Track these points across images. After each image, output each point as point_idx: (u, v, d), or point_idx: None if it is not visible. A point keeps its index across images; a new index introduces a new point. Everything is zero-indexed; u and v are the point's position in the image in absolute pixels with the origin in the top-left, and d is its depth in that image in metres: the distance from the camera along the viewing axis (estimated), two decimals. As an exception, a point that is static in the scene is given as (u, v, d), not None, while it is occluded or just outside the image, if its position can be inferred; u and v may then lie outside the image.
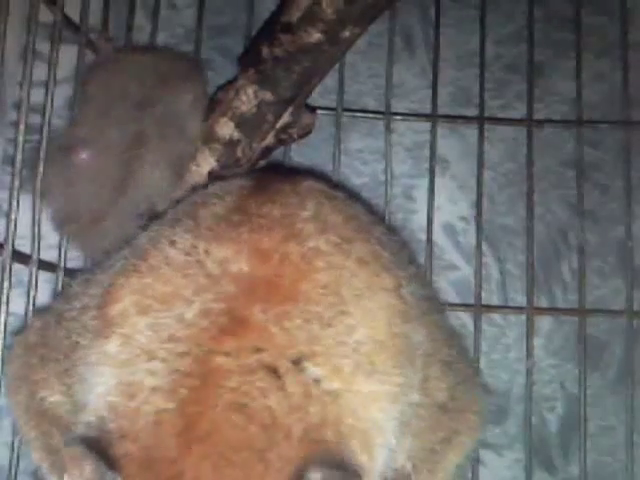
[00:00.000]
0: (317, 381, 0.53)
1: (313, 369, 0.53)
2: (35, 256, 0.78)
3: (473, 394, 0.69)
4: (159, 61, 0.85)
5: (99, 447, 0.52)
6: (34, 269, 0.78)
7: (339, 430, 0.52)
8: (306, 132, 0.88)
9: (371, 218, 0.69)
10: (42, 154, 0.80)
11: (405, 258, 0.69)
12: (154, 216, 0.73)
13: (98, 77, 0.84)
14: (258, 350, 0.53)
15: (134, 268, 0.59)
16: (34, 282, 0.78)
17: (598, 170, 1.01)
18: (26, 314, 0.79)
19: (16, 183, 0.77)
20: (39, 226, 0.79)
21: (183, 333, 0.54)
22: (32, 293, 0.78)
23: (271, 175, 0.72)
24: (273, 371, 0.53)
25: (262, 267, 0.56)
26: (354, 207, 0.69)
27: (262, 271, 0.56)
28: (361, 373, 0.54)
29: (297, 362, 0.53)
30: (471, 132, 0.99)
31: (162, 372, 0.53)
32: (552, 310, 0.98)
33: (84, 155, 0.80)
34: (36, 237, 0.78)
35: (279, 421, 0.51)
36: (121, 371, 0.54)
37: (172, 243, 0.60)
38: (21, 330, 0.78)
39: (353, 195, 0.77)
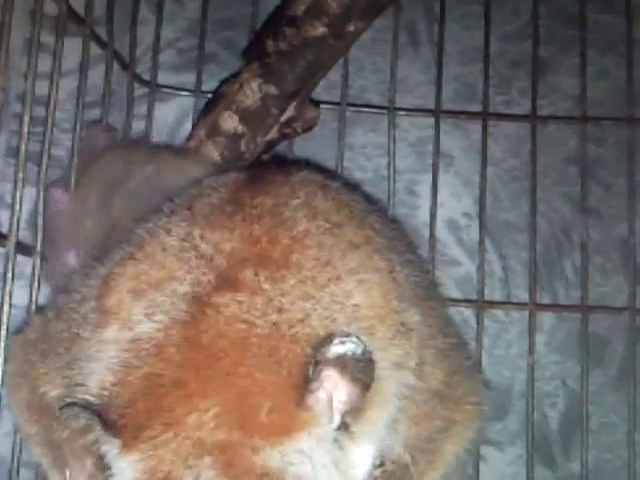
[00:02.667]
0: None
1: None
2: (38, 247, 0.78)
3: (470, 385, 0.69)
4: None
5: (100, 409, 0.52)
6: (37, 260, 0.78)
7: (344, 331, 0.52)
8: (310, 126, 0.88)
9: (367, 206, 0.69)
10: (46, 145, 0.80)
11: (402, 245, 0.69)
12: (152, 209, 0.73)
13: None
14: (252, 294, 0.54)
15: (130, 256, 0.60)
16: (37, 273, 0.78)
17: (601, 167, 1.01)
18: (29, 305, 0.79)
19: (20, 175, 0.77)
20: (42, 218, 0.79)
21: (177, 301, 0.55)
22: (35, 285, 0.78)
23: (266, 167, 0.72)
24: (270, 303, 0.53)
25: (252, 247, 0.57)
26: (348, 195, 0.69)
27: (252, 249, 0.57)
28: (359, 330, 0.54)
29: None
30: (475, 128, 0.99)
31: (162, 319, 0.54)
32: (554, 307, 0.98)
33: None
34: (39, 229, 0.78)
35: (283, 326, 0.52)
36: (121, 336, 0.55)
37: (168, 231, 0.61)
38: (21, 327, 0.78)
39: (351, 185, 0.77)
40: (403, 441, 0.61)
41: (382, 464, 0.61)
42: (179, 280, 0.56)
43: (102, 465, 0.61)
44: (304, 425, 0.50)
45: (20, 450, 0.76)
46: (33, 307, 0.78)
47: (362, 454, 0.54)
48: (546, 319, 0.98)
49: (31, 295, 0.78)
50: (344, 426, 0.52)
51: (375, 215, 0.69)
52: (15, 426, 0.76)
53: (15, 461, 0.75)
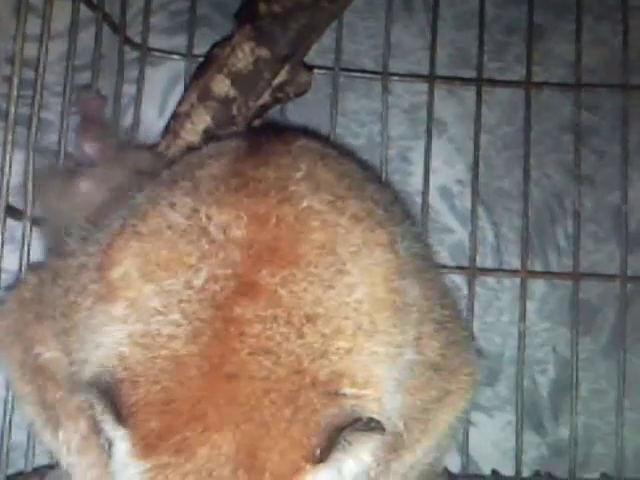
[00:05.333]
0: (325, 336, 0.54)
1: (319, 329, 0.54)
2: (28, 211, 0.77)
3: (465, 355, 0.69)
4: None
5: (109, 394, 0.51)
6: (27, 224, 0.78)
7: (355, 382, 0.53)
8: (302, 90, 0.87)
9: (365, 175, 0.69)
10: (36, 109, 0.79)
11: (399, 214, 0.69)
12: (150, 176, 0.72)
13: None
14: (272, 307, 0.53)
15: (134, 229, 0.59)
16: (27, 238, 0.78)
17: (596, 135, 1.00)
18: (20, 270, 0.79)
19: (9, 137, 0.77)
20: (32, 181, 0.79)
21: (194, 297, 0.54)
22: (25, 249, 0.78)
23: (264, 135, 0.71)
24: (290, 322, 0.53)
25: (260, 232, 0.56)
26: (347, 164, 0.69)
27: (261, 236, 0.56)
28: (362, 334, 0.55)
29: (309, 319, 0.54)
30: (469, 94, 0.99)
31: (180, 321, 0.53)
32: (546, 274, 0.98)
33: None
34: (29, 192, 0.78)
35: (304, 366, 0.52)
36: (132, 326, 0.54)
37: (172, 205, 0.59)
38: (15, 285, 0.78)
39: (346, 152, 0.77)
40: (398, 411, 0.61)
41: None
42: (194, 269, 0.55)
43: (96, 427, 0.61)
44: (311, 475, 0.51)
45: (12, 412, 0.76)
46: (23, 270, 0.78)
47: None
48: (537, 287, 0.98)
49: (21, 259, 0.78)
50: None
51: (373, 184, 0.69)
52: (7, 385, 0.76)
53: (7, 423, 0.76)
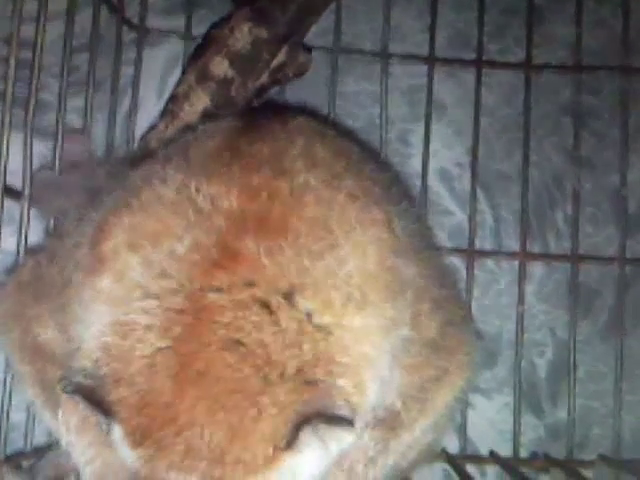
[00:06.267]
0: (309, 315, 0.53)
1: (304, 303, 0.53)
2: (27, 192, 0.77)
3: (464, 335, 0.69)
4: None
5: (94, 395, 0.52)
6: (25, 205, 0.78)
7: (330, 370, 0.52)
8: (301, 72, 0.87)
9: (363, 154, 0.69)
10: (33, 90, 0.79)
11: (397, 193, 0.69)
12: (146, 155, 0.72)
13: None
14: (250, 284, 0.53)
15: (126, 205, 0.59)
16: (25, 218, 0.78)
17: (595, 117, 1.00)
18: (18, 251, 0.79)
19: (7, 119, 0.77)
20: (31, 162, 0.79)
21: (175, 268, 0.54)
22: (24, 230, 0.78)
23: (262, 114, 0.71)
24: (266, 306, 0.53)
25: (251, 204, 0.56)
26: (345, 143, 0.68)
27: (251, 207, 0.55)
28: (352, 306, 0.54)
29: (288, 296, 0.53)
30: (468, 77, 0.98)
31: (156, 310, 0.53)
32: (544, 256, 0.98)
33: None
34: (28, 173, 0.78)
35: (273, 359, 0.51)
36: (115, 310, 0.54)
37: (163, 181, 0.59)
38: (14, 268, 0.78)
39: (345, 132, 0.77)
40: (396, 390, 0.61)
41: (374, 410, 0.61)
42: (177, 237, 0.55)
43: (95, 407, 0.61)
44: (287, 460, 0.52)
45: (10, 395, 0.76)
46: (22, 252, 0.78)
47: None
48: (536, 269, 0.98)
49: (19, 240, 0.78)
50: None
51: (371, 163, 0.68)
52: (6, 367, 0.76)
53: (5, 406, 0.76)
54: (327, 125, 0.73)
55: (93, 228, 0.60)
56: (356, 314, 0.54)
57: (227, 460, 0.51)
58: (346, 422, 0.51)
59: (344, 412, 0.52)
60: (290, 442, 0.51)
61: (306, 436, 0.51)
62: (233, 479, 0.52)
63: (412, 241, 0.63)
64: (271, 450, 0.51)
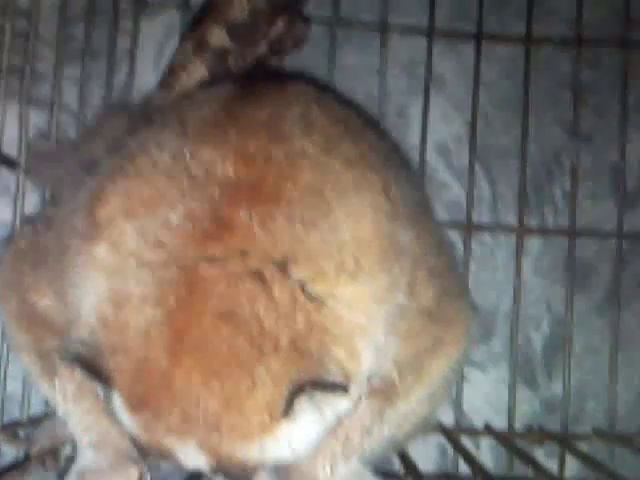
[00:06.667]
0: (302, 285, 0.53)
1: (297, 273, 0.53)
2: (23, 162, 0.77)
3: (460, 307, 0.69)
4: None
5: (93, 364, 0.52)
6: (21, 175, 0.77)
7: (324, 339, 0.53)
8: (299, 43, 0.86)
9: (361, 121, 0.68)
10: (29, 59, 0.79)
11: (396, 161, 0.69)
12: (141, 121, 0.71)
13: None
14: (243, 254, 0.53)
15: (121, 171, 0.58)
16: (22, 188, 0.78)
17: (595, 92, 0.99)
18: (14, 221, 0.79)
19: (2, 89, 0.76)
20: (26, 132, 0.79)
21: (169, 238, 0.53)
22: (20, 199, 0.77)
23: (259, 79, 0.71)
24: (259, 277, 0.52)
25: (246, 170, 0.55)
26: (344, 110, 0.68)
27: (246, 174, 0.55)
28: (345, 275, 0.54)
29: (282, 266, 0.53)
30: (468, 50, 0.98)
31: (150, 280, 0.53)
32: (542, 231, 0.98)
33: None
34: (23, 142, 0.77)
35: (267, 330, 0.51)
36: (111, 279, 0.54)
37: (159, 146, 0.59)
38: (10, 237, 0.78)
39: (345, 100, 0.76)
40: (392, 359, 0.61)
41: (369, 380, 0.62)
42: (172, 205, 0.54)
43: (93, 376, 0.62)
44: (282, 428, 0.53)
45: (7, 363, 0.77)
46: (18, 222, 0.78)
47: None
48: (533, 244, 0.98)
49: (16, 210, 0.78)
50: None
51: (370, 131, 0.68)
52: (2, 337, 0.76)
53: (2, 373, 0.76)
54: (326, 91, 0.72)
55: (89, 194, 0.60)
56: (349, 284, 0.54)
57: (223, 427, 0.52)
58: (340, 388, 0.52)
59: (338, 379, 0.52)
60: (286, 410, 0.51)
61: (301, 404, 0.51)
62: (229, 445, 0.53)
63: (409, 209, 0.62)
64: (267, 418, 0.52)
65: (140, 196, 0.56)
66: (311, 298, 0.53)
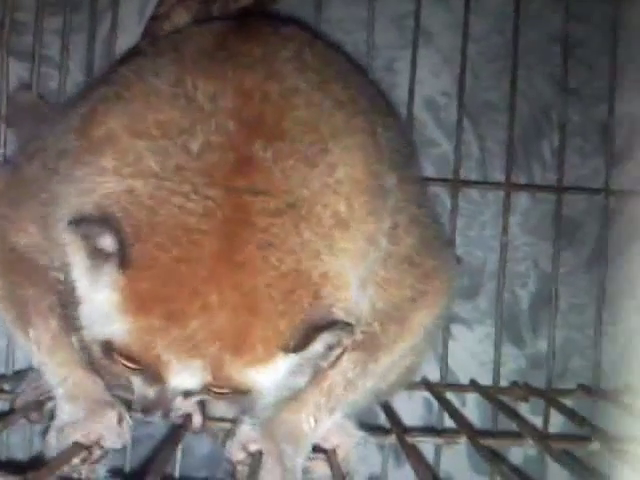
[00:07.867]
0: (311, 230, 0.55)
1: (308, 214, 0.55)
2: (2, 112, 0.76)
3: (442, 259, 0.69)
4: None
5: (111, 223, 0.52)
6: (3, 125, 0.76)
7: (334, 283, 0.55)
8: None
9: (351, 66, 0.69)
10: (10, 9, 0.77)
11: (382, 108, 0.69)
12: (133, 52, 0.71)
13: None
14: (267, 193, 0.54)
15: (116, 95, 0.59)
16: (3, 137, 0.77)
17: (585, 47, 0.98)
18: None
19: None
20: (7, 83, 0.77)
21: (194, 165, 0.54)
22: (2, 148, 0.77)
23: (253, 18, 0.71)
24: (290, 218, 0.55)
25: (246, 105, 0.57)
26: (334, 54, 0.69)
27: (247, 109, 0.56)
28: (339, 227, 0.56)
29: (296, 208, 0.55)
30: (456, 3, 0.96)
31: (191, 196, 0.54)
32: (529, 187, 0.98)
33: None
34: (4, 92, 0.76)
35: (302, 265, 0.54)
36: (129, 180, 0.54)
37: (156, 74, 0.59)
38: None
39: (335, 46, 0.76)
40: (372, 308, 0.61)
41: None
42: (188, 133, 0.55)
43: (66, 327, 0.61)
44: (282, 359, 0.55)
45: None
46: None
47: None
48: (521, 201, 0.98)
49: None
50: None
51: (359, 76, 0.70)
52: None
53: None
54: (317, 36, 0.73)
55: (80, 119, 0.60)
56: (341, 236, 0.56)
57: (235, 350, 0.53)
58: (350, 330, 0.55)
59: (346, 319, 0.55)
60: (300, 345, 0.54)
61: (317, 341, 0.54)
62: (232, 369, 0.54)
63: (394, 155, 0.63)
64: (273, 349, 0.54)
65: (145, 118, 0.56)
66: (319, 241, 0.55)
